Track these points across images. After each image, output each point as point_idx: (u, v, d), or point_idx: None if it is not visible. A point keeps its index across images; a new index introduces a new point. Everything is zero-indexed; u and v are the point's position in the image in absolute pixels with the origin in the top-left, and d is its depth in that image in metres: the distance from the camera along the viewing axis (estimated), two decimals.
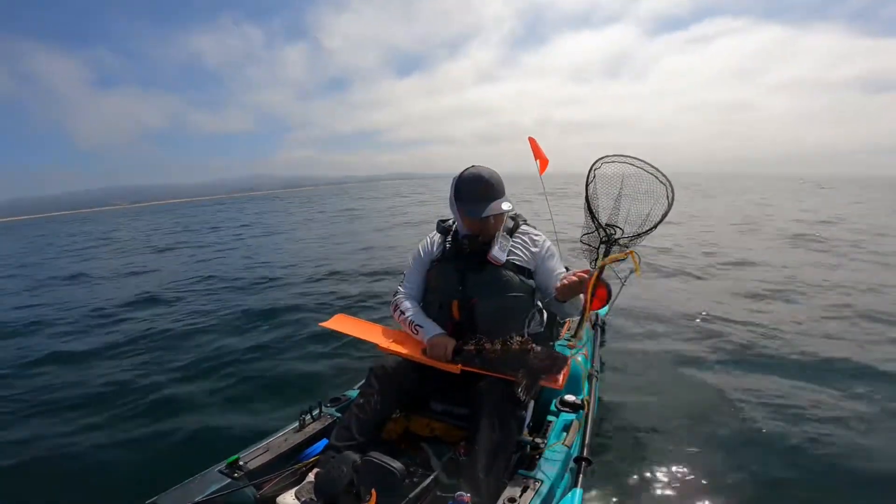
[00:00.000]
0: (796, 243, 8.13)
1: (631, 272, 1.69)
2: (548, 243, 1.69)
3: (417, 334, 1.63)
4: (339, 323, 1.83)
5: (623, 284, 2.06)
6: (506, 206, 1.58)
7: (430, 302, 1.72)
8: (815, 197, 22.22)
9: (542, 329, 1.77)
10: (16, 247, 18.55)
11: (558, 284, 1.43)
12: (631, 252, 1.48)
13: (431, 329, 1.60)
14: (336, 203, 30.95)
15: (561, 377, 1.50)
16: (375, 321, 1.88)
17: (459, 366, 1.50)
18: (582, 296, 1.50)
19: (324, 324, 1.82)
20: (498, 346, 1.45)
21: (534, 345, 1.43)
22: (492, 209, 1.55)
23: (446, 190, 1.72)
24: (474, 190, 1.58)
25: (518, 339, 1.43)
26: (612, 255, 1.52)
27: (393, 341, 1.69)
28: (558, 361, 1.42)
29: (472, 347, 1.50)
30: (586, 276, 1.40)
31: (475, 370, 1.49)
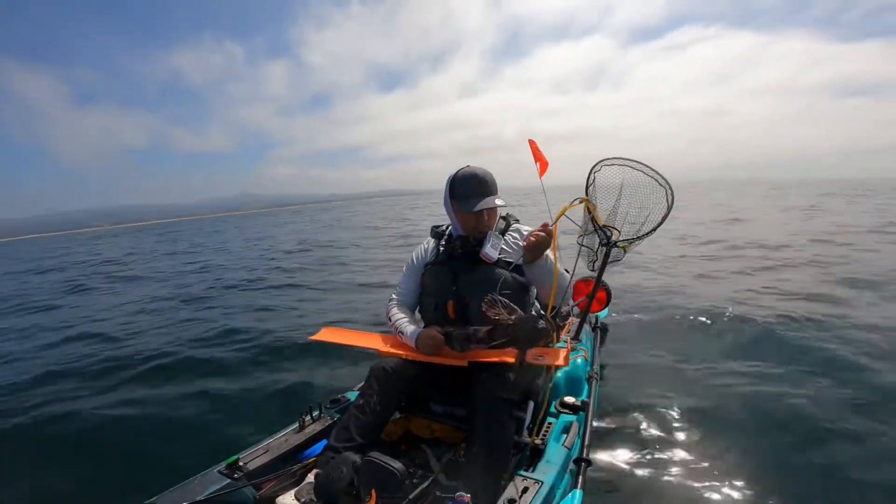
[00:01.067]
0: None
1: (591, 218, 1.75)
2: None
3: (403, 339, 1.68)
4: (328, 335, 1.85)
5: (585, 234, 2.00)
6: (498, 202, 1.62)
7: (427, 303, 1.75)
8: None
9: None
10: None
11: (524, 243, 1.52)
12: (585, 199, 1.54)
13: (413, 333, 1.64)
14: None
15: (563, 354, 1.50)
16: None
17: (466, 360, 1.51)
18: (550, 254, 1.58)
19: (314, 337, 1.83)
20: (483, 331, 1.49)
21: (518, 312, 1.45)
22: (484, 203, 1.60)
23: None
24: (468, 187, 1.63)
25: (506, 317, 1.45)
26: (564, 206, 1.59)
27: (391, 344, 1.70)
28: (541, 328, 1.43)
29: (464, 332, 1.53)
30: (545, 233, 1.50)
31: (478, 358, 1.50)
